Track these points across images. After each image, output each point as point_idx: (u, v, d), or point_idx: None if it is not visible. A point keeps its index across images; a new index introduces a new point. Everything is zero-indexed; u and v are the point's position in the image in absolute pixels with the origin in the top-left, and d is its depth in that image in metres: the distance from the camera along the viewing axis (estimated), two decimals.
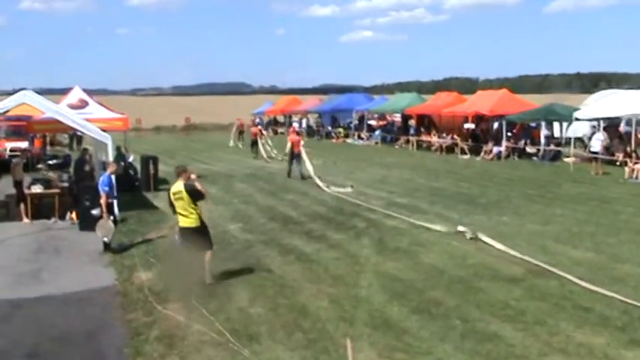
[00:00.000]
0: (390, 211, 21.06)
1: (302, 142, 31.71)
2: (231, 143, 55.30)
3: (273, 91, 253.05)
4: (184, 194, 12.76)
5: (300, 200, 23.97)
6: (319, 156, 41.52)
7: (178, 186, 12.92)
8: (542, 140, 38.72)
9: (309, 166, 30.09)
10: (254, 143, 44.41)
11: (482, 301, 11.86)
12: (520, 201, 23.21)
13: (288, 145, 31.85)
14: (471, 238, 16.71)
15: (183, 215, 12.92)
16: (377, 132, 54.50)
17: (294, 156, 30.88)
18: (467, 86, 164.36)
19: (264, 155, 41.99)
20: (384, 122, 60.28)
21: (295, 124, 65.91)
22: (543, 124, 39.48)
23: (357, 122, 59.26)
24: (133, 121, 64.25)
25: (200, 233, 13.04)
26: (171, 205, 13.00)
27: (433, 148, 45.21)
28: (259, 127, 48.39)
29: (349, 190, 25.67)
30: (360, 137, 56.55)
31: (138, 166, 28.13)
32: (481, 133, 43.32)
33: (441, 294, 12.33)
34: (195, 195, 12.86)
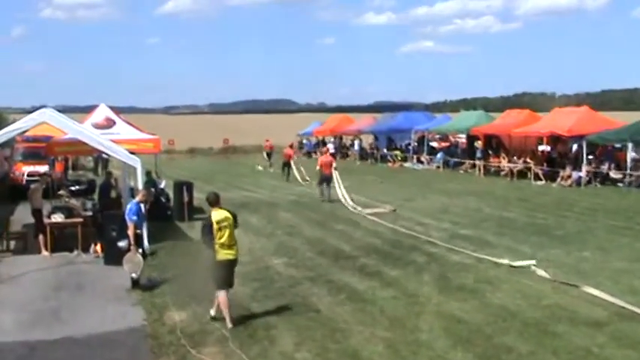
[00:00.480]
0: (454, 244, 20.90)
1: (334, 165, 33.21)
2: (259, 167, 56.12)
3: (321, 109, 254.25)
4: (231, 221, 13.05)
5: (352, 231, 23.93)
6: (373, 181, 41.45)
7: (224, 213, 13.11)
8: (629, 164, 38.14)
9: (339, 190, 31.59)
10: (285, 165, 45.05)
11: (559, 348, 11.65)
12: (604, 233, 22.85)
13: (317, 167, 33.77)
14: (550, 279, 16.49)
15: (227, 246, 13.02)
16: (438, 155, 54.22)
17: (324, 179, 32.49)
18: (541, 103, 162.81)
19: (299, 178, 43.17)
20: (447, 144, 59.99)
21: (330, 145, 66.44)
22: (630, 145, 38.80)
23: (416, 144, 59.10)
24: (165, 142, 65.04)
25: (236, 265, 13.35)
26: (211, 234, 12.94)
27: (502, 173, 44.81)
28: (293, 148, 48.85)
29: (386, 210, 25.88)
30: (419, 161, 56.36)
31: (170, 193, 28.38)
32: (558, 156, 42.83)
33: (511, 339, 12.16)
34: (236, 222, 13.21)
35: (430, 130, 57.85)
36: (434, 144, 59.89)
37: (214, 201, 13.34)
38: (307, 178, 42.72)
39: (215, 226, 12.89)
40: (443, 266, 18.06)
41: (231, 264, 13.15)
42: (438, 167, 52.16)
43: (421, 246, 20.89)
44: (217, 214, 13.06)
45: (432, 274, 17.22)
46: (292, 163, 45.40)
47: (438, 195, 34.43)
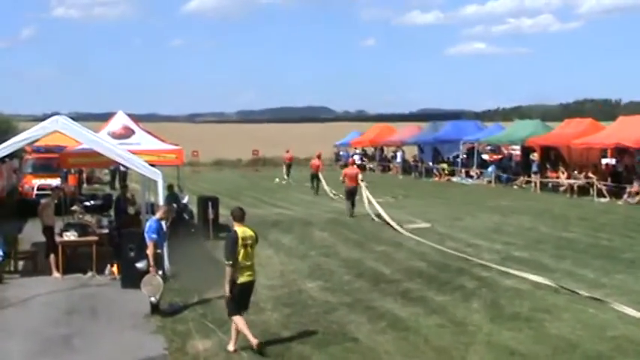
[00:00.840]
0: (507, 267, 20.74)
1: (360, 177, 34.17)
2: (277, 180, 56.64)
3: (360, 117, 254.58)
4: (255, 240, 13.26)
5: (394, 252, 23.85)
6: (416, 197, 41.35)
7: (247, 230, 13.23)
8: None
9: (366, 202, 32.72)
10: (313, 178, 45.32)
11: None
12: None
13: (341, 178, 34.97)
14: (616, 308, 16.31)
15: (248, 267, 13.11)
16: (490, 168, 53.99)
17: (349, 192, 33.61)
18: (605, 111, 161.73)
19: (328, 191, 43.79)
20: (499, 156, 59.80)
21: (355, 157, 66.71)
22: None
23: (464, 156, 58.96)
24: (189, 153, 65.42)
25: (253, 288, 13.52)
26: (235, 254, 12.95)
27: (561, 189, 44.49)
28: (321, 159, 48.92)
29: (427, 225, 25.92)
30: (468, 175, 56.16)
31: (194, 209, 28.46)
32: (624, 170, 42.46)
33: None
34: (257, 243, 13.43)
35: (481, 141, 57.66)
36: (485, 156, 59.73)
37: (239, 216, 13.38)
38: (335, 192, 43.19)
39: (240, 243, 12.96)
40: (495, 292, 17.92)
41: (250, 286, 13.32)
42: (489, 182, 51.93)
43: (470, 269, 20.76)
44: (242, 231, 13.15)
45: (482, 300, 17.09)
46: (321, 175, 45.62)
47: (489, 213, 34.25)
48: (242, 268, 13.00)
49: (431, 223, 29.93)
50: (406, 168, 64.84)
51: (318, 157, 48.61)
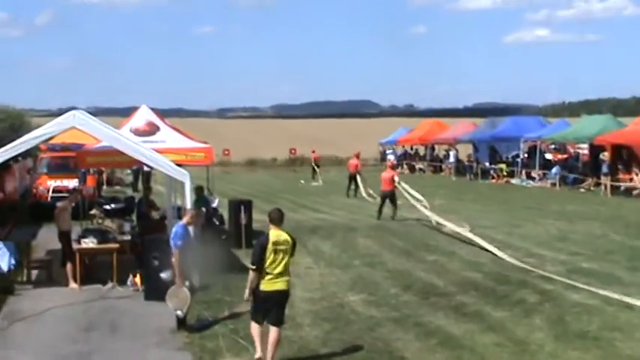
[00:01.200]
0: (573, 280, 20.56)
1: (396, 179, 34.56)
2: (302, 181, 57.27)
3: (408, 112, 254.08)
4: (290, 247, 13.19)
5: (447, 262, 23.79)
6: (472, 201, 41.20)
7: (284, 235, 13.24)
8: None
9: (412, 199, 33.88)
10: (351, 179, 45.33)
11: None
12: None
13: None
14: None
15: (277, 275, 13.11)
16: (554, 169, 53.66)
17: (384, 196, 34.46)
18: None
19: (364, 194, 44.23)
20: (565, 156, 59.39)
21: (391, 157, 66.70)
22: None
23: (525, 156, 58.66)
24: (219, 152, 65.70)
25: (284, 299, 13.47)
26: (262, 259, 13.07)
27: (635, 192, 44.16)
28: (359, 159, 48.79)
29: (466, 230, 27.31)
30: (529, 176, 55.89)
31: (225, 214, 28.53)
32: None
33: None
34: (294, 250, 13.35)
35: (543, 138, 57.24)
36: (548, 156, 59.37)
37: (276, 219, 13.43)
38: (373, 194, 43.24)
39: (270, 247, 13.00)
40: (559, 307, 17.79)
41: (278, 296, 13.24)
42: (554, 184, 51.64)
43: (532, 281, 20.64)
44: (276, 235, 13.18)
45: (545, 316, 16.98)
46: (358, 176, 45.56)
47: (554, 219, 34.05)
48: (269, 275, 13.06)
49: (487, 230, 29.79)
50: (460, 169, 64.72)
51: (357, 156, 48.39)
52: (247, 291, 13.22)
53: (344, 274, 22.05)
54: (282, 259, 13.08)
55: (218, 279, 20.87)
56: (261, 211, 31.33)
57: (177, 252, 16.50)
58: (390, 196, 34.14)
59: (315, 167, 61.43)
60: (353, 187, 45.92)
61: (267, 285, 13.06)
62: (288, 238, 13.20)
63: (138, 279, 20.44)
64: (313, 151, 63.93)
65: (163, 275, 17.72)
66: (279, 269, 13.05)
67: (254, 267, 13.07)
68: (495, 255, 24.38)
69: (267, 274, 13.02)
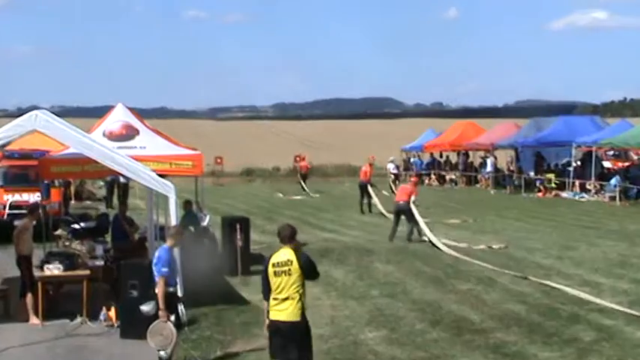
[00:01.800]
0: (638, 312, 20.49)
1: (413, 197, 34.05)
2: (280, 194, 57.72)
3: (437, 111, 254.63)
4: (295, 267, 13.09)
5: (483, 292, 23.69)
6: (516, 219, 41.16)
7: (286, 254, 13.20)
8: None
9: (423, 227, 33.52)
10: (363, 189, 45.03)
11: None
12: None
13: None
14: None
15: (282, 301, 13.12)
16: (613, 180, 53.56)
17: (397, 211, 34.48)
18: None
19: (382, 209, 44.19)
20: (627, 164, 59.21)
21: (391, 165, 67.00)
22: None
23: (578, 164, 58.56)
24: (211, 160, 65.75)
25: (300, 334, 13.34)
26: (267, 283, 13.19)
27: None
28: (372, 167, 48.72)
29: (487, 246, 27.98)
30: (584, 189, 55.77)
31: (217, 234, 28.48)
32: None
33: None
34: (310, 271, 13.34)
35: (600, 143, 57.15)
36: (607, 164, 59.20)
37: (285, 236, 13.44)
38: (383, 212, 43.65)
39: (270, 270, 13.10)
40: (620, 347, 17.72)
41: (284, 327, 13.20)
42: (613, 198, 51.50)
43: (587, 315, 20.56)
44: (278, 255, 13.25)
45: (603, 357, 16.93)
46: (370, 188, 45.41)
47: (613, 240, 33.94)
48: (274, 301, 13.18)
49: (533, 253, 29.71)
50: (499, 180, 64.58)
51: (370, 164, 48.07)
52: (265, 328, 13.34)
53: (360, 307, 21.97)
54: (287, 282, 13.04)
55: (209, 312, 20.89)
56: (262, 231, 31.47)
57: (162, 280, 16.54)
58: (405, 211, 33.93)
59: (302, 177, 62.56)
60: (366, 200, 45.76)
61: (273, 313, 13.16)
62: (291, 256, 13.14)
63: (113, 313, 20.36)
64: (302, 159, 64.70)
65: (144, 308, 17.61)
66: (284, 294, 13.06)
67: (263, 296, 13.29)
68: (526, 278, 24.34)
69: (274, 299, 13.12)
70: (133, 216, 26.90)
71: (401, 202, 34.08)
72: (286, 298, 13.04)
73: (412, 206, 33.87)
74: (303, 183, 62.17)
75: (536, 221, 41.39)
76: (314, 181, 74.64)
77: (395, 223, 34.36)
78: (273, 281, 13.04)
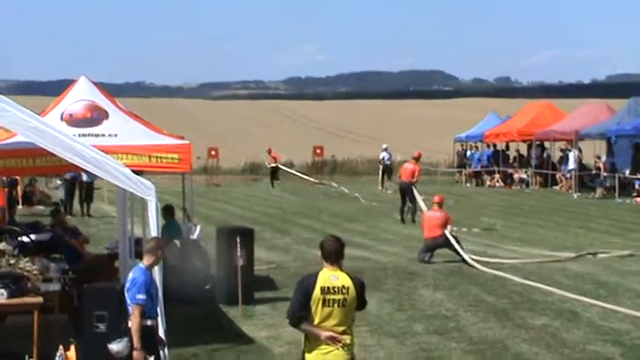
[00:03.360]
0: None
1: (449, 228, 34.18)
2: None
3: (502, 89, 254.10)
4: (352, 296, 12.97)
5: (564, 329, 23.66)
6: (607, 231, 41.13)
7: (339, 277, 13.01)
8: None
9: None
10: (406, 192, 45.03)
11: None
12: None
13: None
14: None
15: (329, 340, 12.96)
16: None
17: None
18: None
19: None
20: None
21: (385, 155, 67.77)
22: None
23: None
24: (203, 152, 65.96)
25: None
26: (303, 309, 12.91)
27: None
28: (419, 162, 48.53)
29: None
30: None
31: (211, 250, 28.54)
32: None
33: None
34: (363, 299, 13.28)
35: None
36: None
37: (332, 252, 13.20)
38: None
39: (317, 297, 12.87)
40: None
41: None
42: None
43: None
44: (328, 277, 13.00)
45: None
46: (415, 189, 45.32)
47: None
48: (315, 339, 12.95)
49: (631, 278, 29.68)
50: (584, 180, 64.35)
51: (416, 159, 47.73)
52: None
53: (399, 347, 21.99)
54: (340, 314, 12.89)
55: (200, 353, 20.97)
56: (269, 247, 31.54)
57: (138, 310, 16.48)
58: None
59: (272, 172, 64.05)
60: (409, 206, 45.62)
61: (318, 355, 12.93)
62: (347, 282, 12.99)
63: (72, 353, 20.37)
64: (269, 151, 66.10)
65: (114, 347, 17.61)
66: (335, 326, 12.90)
67: (291, 322, 13.04)
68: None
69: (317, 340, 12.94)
70: (99, 225, 27.04)
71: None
72: (341, 333, 12.90)
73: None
74: (271, 178, 63.74)
75: (635, 235, 41.38)
76: (342, 179, 74.68)
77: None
78: (321, 312, 12.84)
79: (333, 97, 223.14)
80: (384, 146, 70.34)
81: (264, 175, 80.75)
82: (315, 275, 12.92)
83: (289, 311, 12.96)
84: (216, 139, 74.95)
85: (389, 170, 67.65)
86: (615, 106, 70.57)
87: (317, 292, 12.76)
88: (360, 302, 13.09)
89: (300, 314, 12.78)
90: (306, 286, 12.85)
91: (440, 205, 35.22)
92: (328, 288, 12.80)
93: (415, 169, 46.53)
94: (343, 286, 12.84)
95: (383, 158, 70.04)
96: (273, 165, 66.52)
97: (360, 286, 13.05)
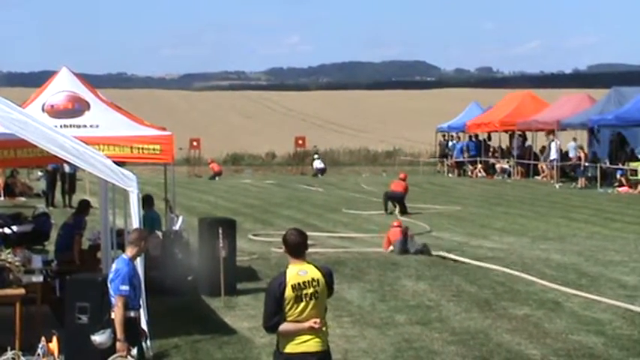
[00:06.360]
0: None
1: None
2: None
3: (484, 79, 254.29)
4: (322, 287, 13.01)
5: (546, 319, 23.72)
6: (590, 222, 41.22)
7: (308, 271, 13.01)
8: None
9: None
10: (394, 199, 45.23)
11: None
12: None
13: None
14: None
15: (307, 329, 12.99)
16: None
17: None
18: None
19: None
20: None
21: (317, 162, 68.98)
22: None
23: None
24: (185, 143, 65.98)
25: None
26: (277, 313, 12.90)
27: None
28: (405, 182, 48.58)
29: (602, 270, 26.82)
30: None
31: (193, 241, 28.51)
32: None
33: None
34: (332, 288, 13.26)
35: None
36: None
37: (295, 246, 13.18)
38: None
39: (289, 296, 12.84)
40: None
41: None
42: None
43: None
44: (296, 273, 12.98)
45: None
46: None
47: None
48: (297, 336, 12.96)
49: (615, 269, 29.70)
50: (566, 170, 64.41)
51: (402, 179, 47.33)
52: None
53: (382, 338, 21.99)
54: (315, 306, 12.90)
55: (182, 344, 20.95)
56: (249, 239, 31.46)
57: (121, 302, 16.48)
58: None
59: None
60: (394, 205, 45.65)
61: (292, 346, 12.93)
62: (318, 274, 13.00)
63: (54, 344, 20.34)
64: (211, 161, 67.49)
65: (97, 338, 17.59)
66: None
67: (268, 330, 13.11)
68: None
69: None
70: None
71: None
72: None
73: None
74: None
75: (616, 225, 41.52)
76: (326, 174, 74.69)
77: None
78: (295, 309, 12.84)
79: (316, 88, 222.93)
80: (315, 148, 71.35)
81: (247, 166, 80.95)
82: (283, 275, 12.92)
83: (264, 319, 12.98)
84: (198, 130, 74.96)
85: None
86: (596, 96, 70.60)
87: (289, 291, 12.78)
88: (330, 291, 13.12)
89: (275, 320, 12.82)
90: (277, 289, 12.83)
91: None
92: (299, 284, 12.83)
93: (407, 186, 46.68)
94: (313, 279, 12.88)
95: (315, 165, 71.25)
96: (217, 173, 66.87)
97: (328, 276, 13.09)
